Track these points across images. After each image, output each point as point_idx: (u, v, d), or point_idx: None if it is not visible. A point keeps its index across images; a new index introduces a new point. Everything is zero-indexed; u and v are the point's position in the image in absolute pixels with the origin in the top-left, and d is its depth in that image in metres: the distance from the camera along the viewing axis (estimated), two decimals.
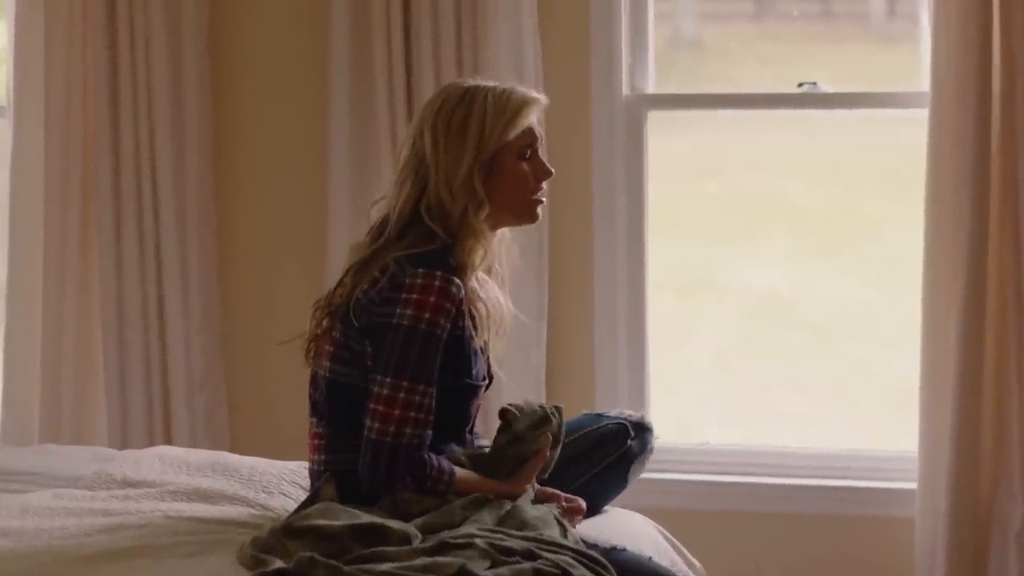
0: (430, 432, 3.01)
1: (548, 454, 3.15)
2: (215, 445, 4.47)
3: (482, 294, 3.14)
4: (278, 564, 2.80)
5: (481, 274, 3.15)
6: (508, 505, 3.02)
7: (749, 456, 4.51)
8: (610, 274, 4.44)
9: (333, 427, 3.11)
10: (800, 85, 4.41)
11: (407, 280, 3.01)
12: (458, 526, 2.93)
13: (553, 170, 3.17)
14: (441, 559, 2.76)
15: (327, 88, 4.44)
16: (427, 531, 2.91)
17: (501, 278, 3.23)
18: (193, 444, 4.46)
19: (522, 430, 3.14)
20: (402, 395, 2.99)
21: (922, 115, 4.16)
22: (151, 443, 4.48)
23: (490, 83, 3.15)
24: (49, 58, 4.55)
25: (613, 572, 2.89)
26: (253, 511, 3.24)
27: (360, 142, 4.42)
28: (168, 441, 4.52)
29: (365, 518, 2.90)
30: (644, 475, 3.44)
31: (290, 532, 2.89)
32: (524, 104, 3.11)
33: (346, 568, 2.76)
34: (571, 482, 3.24)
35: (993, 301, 4.10)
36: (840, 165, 4.62)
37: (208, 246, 4.57)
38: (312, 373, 3.17)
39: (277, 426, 4.55)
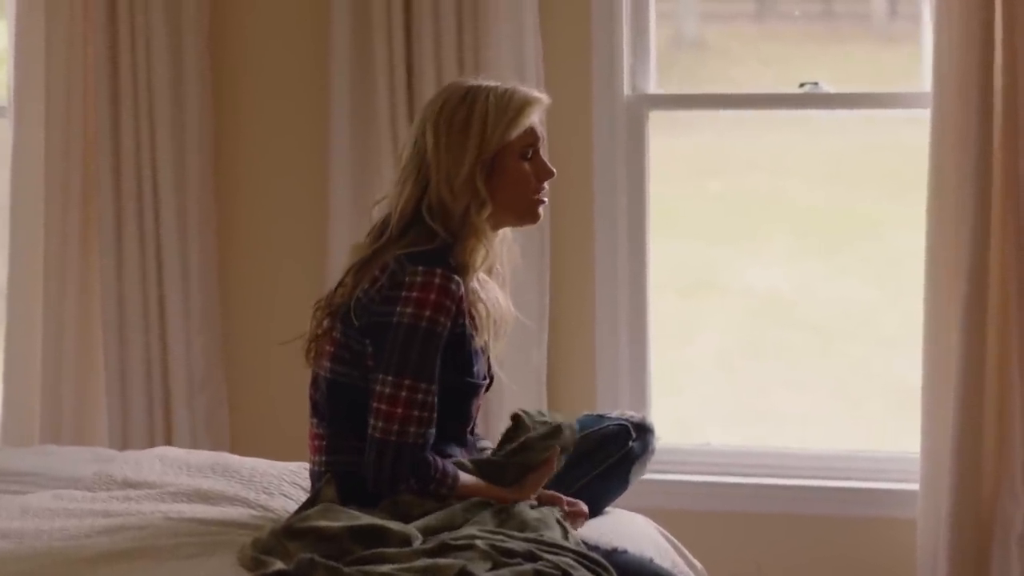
0: (433, 430, 3.01)
1: (554, 465, 3.15)
2: (216, 445, 4.46)
3: (483, 294, 3.14)
4: (278, 565, 2.79)
5: (482, 274, 3.15)
6: (510, 507, 3.01)
7: (750, 457, 4.51)
8: (611, 274, 4.44)
9: (334, 428, 3.11)
10: (801, 85, 4.41)
11: (407, 278, 3.00)
12: (459, 527, 2.92)
13: (555, 170, 3.16)
14: (441, 560, 2.75)
15: (328, 88, 4.43)
16: (428, 532, 2.90)
17: (502, 278, 3.23)
18: (194, 444, 4.46)
19: (532, 439, 3.14)
20: (404, 393, 2.98)
21: (923, 115, 4.16)
22: (152, 443, 4.48)
23: (492, 83, 3.14)
24: (50, 58, 4.54)
25: (614, 574, 2.88)
26: (253, 512, 3.24)
27: (361, 142, 4.42)
28: (169, 441, 4.52)
29: (365, 519, 2.90)
30: (645, 476, 3.43)
31: (290, 533, 2.88)
32: (526, 104, 3.11)
33: (346, 569, 2.75)
34: (572, 483, 3.24)
35: (995, 297, 4.10)
36: (841, 165, 4.62)
37: (209, 246, 4.57)
38: (313, 374, 3.17)
39: (278, 427, 4.54)
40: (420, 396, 2.99)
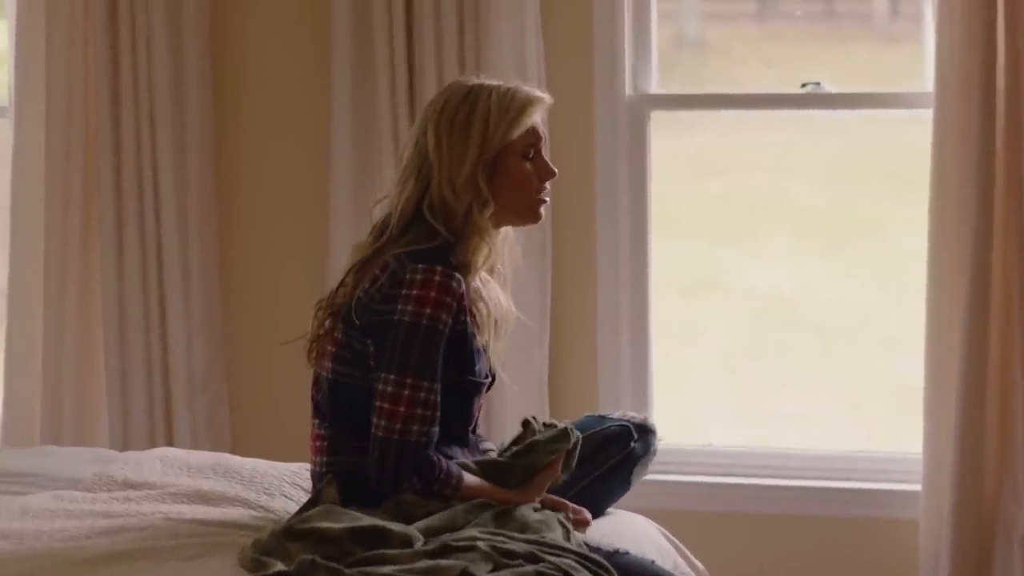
0: (437, 429, 3.00)
1: (559, 469, 3.15)
2: (217, 446, 4.46)
3: (484, 293, 3.13)
4: (279, 567, 2.79)
5: (483, 274, 3.14)
6: (511, 508, 3.01)
7: (752, 458, 4.50)
8: (613, 274, 4.43)
9: (335, 428, 3.10)
10: (803, 85, 4.40)
11: (407, 276, 3.00)
12: (460, 529, 2.92)
13: (556, 170, 3.16)
14: (443, 562, 2.75)
15: (329, 88, 4.43)
16: (429, 534, 2.90)
17: (504, 278, 3.22)
18: (194, 445, 4.46)
19: (538, 441, 3.14)
20: (407, 392, 2.98)
21: (925, 115, 4.15)
22: (152, 444, 4.48)
23: (494, 82, 3.14)
24: (50, 58, 4.54)
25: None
26: (254, 513, 3.24)
27: (362, 142, 4.41)
28: (170, 442, 4.51)
29: (367, 520, 2.89)
30: (647, 477, 3.43)
31: (291, 534, 2.88)
32: (528, 103, 3.10)
33: (347, 571, 2.75)
34: (574, 484, 3.23)
35: (997, 297, 4.09)
36: (843, 165, 4.62)
37: (210, 246, 4.57)
38: (315, 374, 3.16)
39: (279, 427, 4.54)
40: (423, 394, 2.98)
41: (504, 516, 2.98)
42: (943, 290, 4.13)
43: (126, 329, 4.57)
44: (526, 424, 3.22)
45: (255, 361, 4.64)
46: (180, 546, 2.97)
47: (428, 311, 2.98)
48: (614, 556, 3.00)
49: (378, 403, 3.00)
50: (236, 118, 4.61)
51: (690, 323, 4.68)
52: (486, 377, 3.15)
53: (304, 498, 3.25)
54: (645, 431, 3.38)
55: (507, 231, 3.20)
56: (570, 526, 3.03)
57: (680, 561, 3.34)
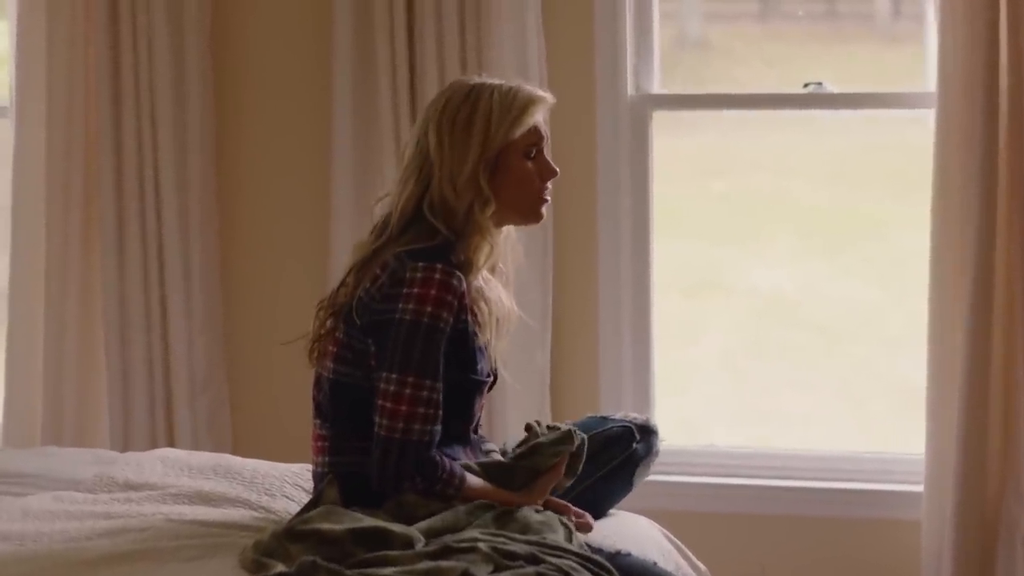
0: (439, 428, 3.00)
1: (563, 471, 3.14)
2: (218, 446, 4.46)
3: (486, 293, 3.13)
4: (280, 568, 2.79)
5: (485, 273, 3.14)
6: (513, 509, 3.00)
7: (754, 458, 4.50)
8: (615, 274, 4.43)
9: (337, 429, 3.10)
10: (805, 85, 4.40)
11: (407, 275, 2.99)
12: (462, 530, 2.91)
13: (558, 169, 3.15)
14: (444, 563, 2.74)
15: (330, 88, 4.42)
16: (430, 535, 2.89)
17: (506, 278, 3.22)
18: (196, 445, 4.45)
19: (541, 443, 3.13)
20: (408, 391, 2.97)
21: (927, 115, 4.15)
22: (154, 444, 4.48)
23: (496, 81, 3.14)
24: (51, 58, 4.53)
25: None
26: (255, 514, 3.23)
27: (363, 142, 4.41)
28: (171, 442, 4.51)
29: (368, 522, 2.88)
30: (649, 478, 3.42)
31: (292, 536, 2.87)
32: (530, 102, 3.09)
33: (348, 572, 2.75)
34: (576, 486, 3.23)
35: (1000, 297, 4.09)
36: (845, 165, 4.62)
37: (211, 246, 4.56)
38: (316, 374, 3.16)
39: (280, 427, 4.53)
40: (425, 393, 2.98)
41: (506, 517, 2.98)
42: (946, 290, 4.13)
43: (127, 329, 4.56)
44: (529, 428, 3.21)
45: (256, 361, 4.63)
46: (181, 547, 2.96)
47: (429, 309, 2.97)
48: (616, 557, 3.00)
49: (380, 402, 2.99)
50: (237, 118, 4.61)
51: (692, 323, 4.68)
52: (488, 376, 3.14)
53: (305, 499, 3.24)
54: (647, 432, 3.37)
55: (509, 230, 3.19)
56: (572, 527, 3.02)
57: (682, 562, 3.34)
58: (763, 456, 4.50)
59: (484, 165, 3.06)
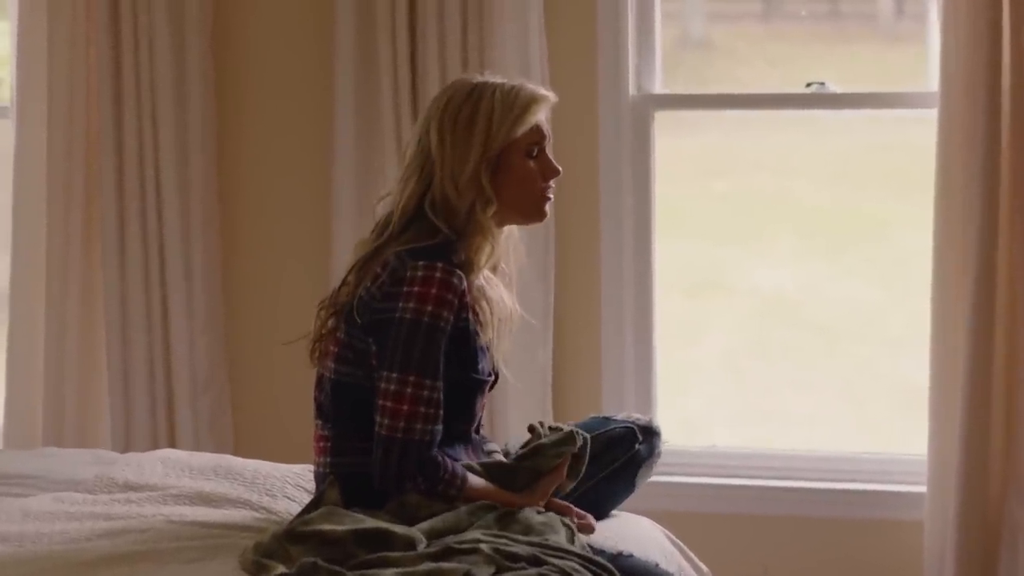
0: (440, 427, 2.99)
1: (565, 473, 3.13)
2: (219, 447, 4.45)
3: (488, 292, 3.12)
4: (280, 570, 2.78)
5: (487, 272, 3.13)
6: (515, 510, 2.99)
7: (756, 459, 4.49)
8: (617, 274, 4.42)
9: (338, 429, 3.09)
10: (808, 85, 4.39)
11: (408, 273, 2.99)
12: (464, 531, 2.91)
13: (561, 168, 3.14)
14: (445, 564, 2.74)
15: (332, 88, 4.42)
16: (432, 535, 2.89)
17: (508, 277, 3.21)
18: (197, 446, 4.45)
19: (544, 444, 3.13)
20: (409, 390, 2.96)
21: (930, 115, 4.15)
22: (155, 444, 4.48)
23: (498, 79, 3.13)
24: (52, 58, 4.53)
25: None
26: (256, 515, 3.23)
27: (365, 142, 4.41)
28: (172, 442, 4.51)
29: (369, 523, 2.88)
30: (651, 479, 3.41)
31: (293, 537, 2.87)
32: (532, 101, 3.09)
33: (349, 573, 2.74)
34: (579, 487, 3.22)
35: (1003, 297, 4.08)
36: (848, 165, 4.61)
37: (212, 246, 4.56)
38: (317, 374, 3.15)
39: (281, 428, 4.53)
40: (426, 392, 2.97)
41: (508, 518, 2.97)
42: (948, 290, 4.12)
43: (128, 329, 4.56)
44: (532, 429, 3.21)
45: (258, 361, 4.63)
46: (181, 548, 2.96)
47: (429, 308, 2.97)
48: (618, 558, 3.00)
49: (381, 402, 2.98)
50: (239, 118, 4.61)
51: (694, 323, 4.68)
52: (489, 375, 3.14)
53: (307, 499, 3.23)
54: (650, 433, 3.36)
55: (511, 230, 3.18)
56: (574, 528, 3.01)
57: (684, 564, 3.33)
58: (765, 457, 4.49)
59: (486, 164, 3.05)
